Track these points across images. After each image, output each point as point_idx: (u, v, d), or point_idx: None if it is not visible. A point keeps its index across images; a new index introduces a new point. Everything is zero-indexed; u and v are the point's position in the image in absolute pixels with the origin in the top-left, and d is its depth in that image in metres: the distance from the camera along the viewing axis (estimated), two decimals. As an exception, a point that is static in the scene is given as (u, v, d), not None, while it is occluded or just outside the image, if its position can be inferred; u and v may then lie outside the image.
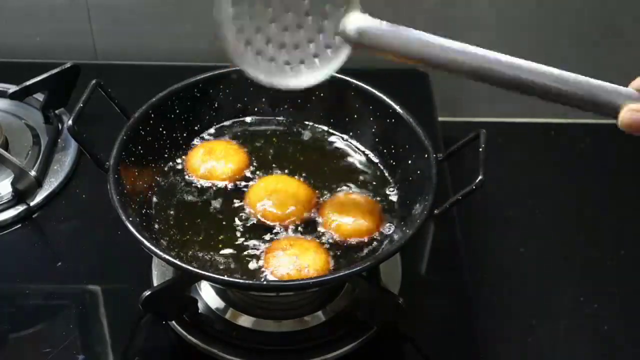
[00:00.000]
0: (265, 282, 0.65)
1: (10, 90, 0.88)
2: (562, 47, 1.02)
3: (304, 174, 0.76)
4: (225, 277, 0.63)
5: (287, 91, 0.79)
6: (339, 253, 0.69)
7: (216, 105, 0.80)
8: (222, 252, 0.68)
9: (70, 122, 0.66)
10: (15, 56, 1.03)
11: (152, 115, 0.74)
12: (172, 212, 0.72)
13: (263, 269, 0.67)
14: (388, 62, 1.03)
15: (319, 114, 0.81)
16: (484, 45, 1.08)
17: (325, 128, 0.81)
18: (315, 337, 0.70)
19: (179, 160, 0.77)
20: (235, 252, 0.68)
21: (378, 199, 0.74)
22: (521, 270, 0.87)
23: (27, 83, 0.87)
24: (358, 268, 0.61)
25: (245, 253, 0.68)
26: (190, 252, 0.68)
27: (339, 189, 0.75)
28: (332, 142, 0.80)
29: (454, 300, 0.77)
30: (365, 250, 0.69)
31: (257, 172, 0.76)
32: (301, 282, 0.64)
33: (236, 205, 0.73)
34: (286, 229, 0.70)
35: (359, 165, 0.78)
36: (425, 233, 0.82)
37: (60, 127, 0.92)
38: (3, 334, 0.73)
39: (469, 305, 0.76)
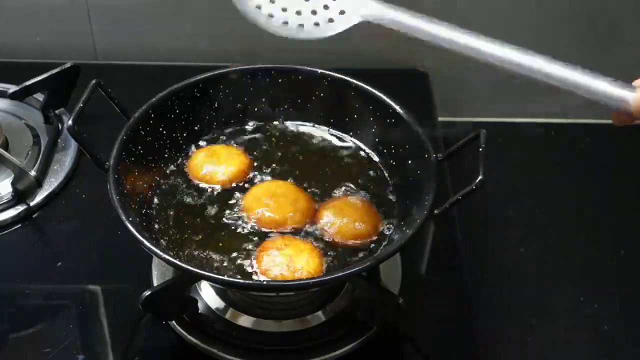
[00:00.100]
0: (265, 282, 0.65)
1: (10, 90, 0.88)
2: (562, 47, 1.02)
3: (303, 175, 0.76)
4: (225, 277, 0.63)
5: (287, 91, 0.80)
6: (334, 255, 0.69)
7: (216, 105, 0.80)
8: (219, 253, 0.69)
9: (70, 122, 0.66)
10: (15, 56, 1.03)
11: (152, 115, 0.74)
12: (171, 213, 0.72)
13: (256, 270, 0.67)
14: (388, 62, 1.03)
15: (319, 114, 0.81)
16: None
17: (325, 128, 0.81)
18: (315, 337, 0.70)
19: (179, 162, 0.77)
20: (232, 254, 0.68)
21: (378, 199, 0.74)
22: (521, 270, 0.87)
23: (27, 83, 0.87)
24: (358, 268, 0.61)
25: (242, 255, 0.68)
26: (189, 252, 0.69)
27: (338, 189, 0.75)
28: (332, 142, 0.80)
29: (454, 300, 0.77)
30: (364, 252, 0.69)
31: (258, 175, 0.76)
32: (301, 282, 0.64)
33: (235, 208, 0.73)
34: (283, 233, 0.70)
35: (359, 166, 0.78)
36: (425, 233, 0.82)
37: (60, 127, 0.92)
38: (3, 334, 0.73)
39: (469, 305, 0.76)
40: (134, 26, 1.03)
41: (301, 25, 0.63)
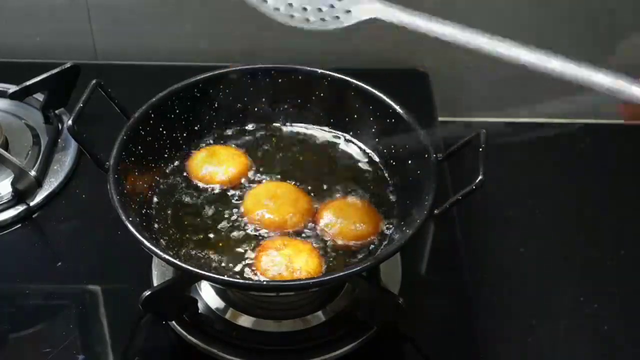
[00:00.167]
0: (265, 282, 0.65)
1: (10, 90, 0.88)
2: (562, 47, 1.02)
3: (303, 175, 0.76)
4: (225, 277, 0.63)
5: (287, 91, 0.80)
6: (334, 255, 0.69)
7: (216, 105, 0.80)
8: (219, 253, 0.69)
9: (70, 122, 0.66)
10: (15, 56, 1.03)
11: (152, 115, 0.74)
12: (171, 213, 0.72)
13: (255, 270, 0.67)
14: (388, 62, 1.03)
15: (319, 114, 0.81)
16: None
17: (325, 128, 0.81)
18: (315, 337, 0.70)
19: (179, 161, 0.77)
20: (231, 254, 0.68)
21: (378, 199, 0.74)
22: (521, 270, 0.87)
23: (27, 83, 0.87)
24: (358, 268, 0.61)
25: (241, 255, 0.68)
26: (188, 252, 0.69)
27: (338, 189, 0.75)
28: (332, 142, 0.80)
29: (454, 300, 0.77)
30: (364, 252, 0.69)
31: (258, 175, 0.76)
32: (301, 282, 0.64)
33: (235, 209, 0.73)
34: (283, 234, 0.70)
35: (359, 166, 0.78)
36: (425, 233, 0.82)
37: (60, 127, 0.92)
38: (3, 334, 0.73)
39: (469, 305, 0.76)
40: (134, 26, 1.03)
41: (307, 19, 0.63)
